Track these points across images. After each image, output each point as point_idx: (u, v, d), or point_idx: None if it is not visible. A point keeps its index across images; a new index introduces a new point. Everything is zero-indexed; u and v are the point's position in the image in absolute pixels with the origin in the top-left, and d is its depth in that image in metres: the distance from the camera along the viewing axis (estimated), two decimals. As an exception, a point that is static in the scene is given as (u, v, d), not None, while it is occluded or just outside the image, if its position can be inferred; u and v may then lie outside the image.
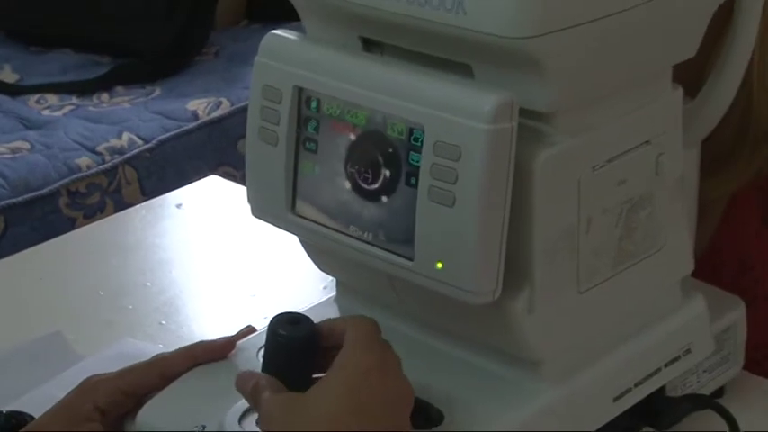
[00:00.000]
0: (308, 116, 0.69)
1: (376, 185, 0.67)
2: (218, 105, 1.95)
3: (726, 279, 0.86)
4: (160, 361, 0.75)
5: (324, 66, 0.69)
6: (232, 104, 1.94)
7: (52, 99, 2.01)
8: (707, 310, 0.80)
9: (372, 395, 0.64)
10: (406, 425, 0.65)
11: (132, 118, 1.91)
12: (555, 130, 0.66)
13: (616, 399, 0.75)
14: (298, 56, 0.70)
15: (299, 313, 0.69)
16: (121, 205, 1.72)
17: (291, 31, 0.72)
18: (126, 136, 1.86)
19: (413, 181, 0.65)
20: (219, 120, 1.92)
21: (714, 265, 0.87)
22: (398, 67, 0.67)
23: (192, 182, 1.26)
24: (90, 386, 0.74)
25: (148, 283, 1.06)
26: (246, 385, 0.67)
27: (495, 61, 0.64)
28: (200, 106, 1.94)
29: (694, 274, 0.80)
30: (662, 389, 0.78)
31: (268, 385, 0.66)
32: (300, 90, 0.69)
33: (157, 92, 2.02)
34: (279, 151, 0.70)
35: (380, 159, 0.66)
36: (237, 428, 0.69)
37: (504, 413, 0.70)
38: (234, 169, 1.79)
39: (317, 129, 0.69)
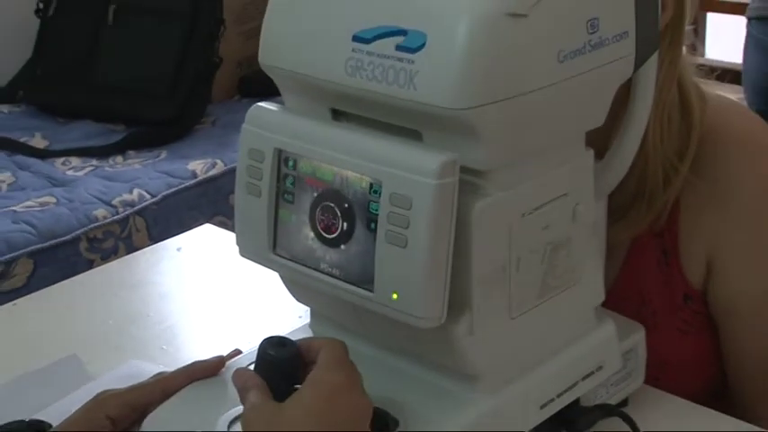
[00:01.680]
0: (286, 173, 0.69)
1: (342, 230, 0.66)
2: (214, 165, 1.94)
3: (629, 309, 0.86)
4: (161, 379, 0.74)
5: (300, 132, 0.69)
6: (225, 165, 1.93)
7: (75, 161, 2.00)
8: (616, 333, 0.80)
9: (338, 410, 0.63)
10: None
11: (142, 176, 1.90)
12: (489, 184, 0.66)
13: (541, 407, 0.75)
14: (278, 124, 0.70)
15: (285, 337, 0.68)
16: (132, 248, 1.70)
17: (273, 104, 0.72)
18: (136, 191, 1.85)
19: (372, 226, 0.65)
20: (214, 178, 1.91)
21: (619, 298, 0.87)
22: (361, 132, 0.67)
23: (190, 229, 1.25)
24: (102, 400, 0.73)
25: (151, 314, 1.05)
26: (240, 380, 0.67)
27: (440, 127, 0.64)
28: (199, 166, 1.94)
29: (603, 305, 0.80)
30: (577, 399, 0.78)
31: (255, 386, 0.65)
32: (280, 152, 0.69)
33: (163, 155, 2.02)
34: (262, 202, 0.70)
35: (345, 209, 0.66)
36: (226, 432, 0.68)
37: (448, 419, 0.70)
38: (226, 218, 1.78)
39: (293, 183, 0.69)
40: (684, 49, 0.86)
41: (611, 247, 0.84)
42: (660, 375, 0.87)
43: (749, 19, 1.58)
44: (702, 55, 2.55)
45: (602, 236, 0.81)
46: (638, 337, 0.83)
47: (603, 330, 0.79)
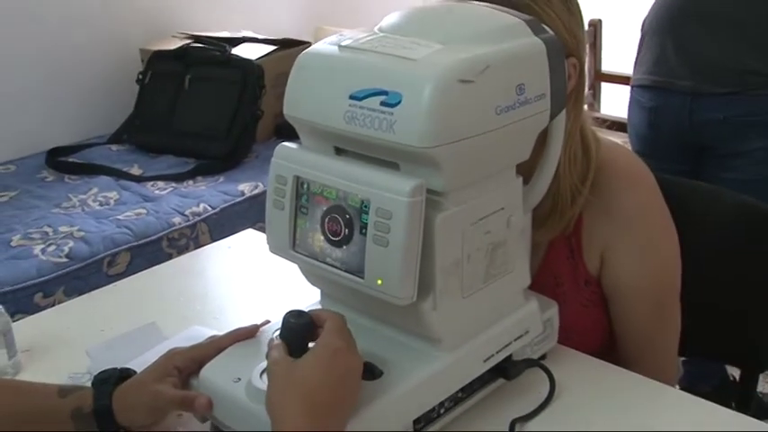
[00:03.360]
0: (301, 193, 0.67)
1: (344, 235, 0.64)
2: (257, 187, 1.92)
3: (547, 290, 0.84)
4: (215, 340, 0.72)
5: (312, 163, 0.67)
6: (265, 186, 1.91)
7: (161, 184, 1.97)
8: (538, 308, 0.78)
9: (338, 366, 0.61)
10: (358, 383, 0.62)
11: (206, 195, 1.87)
12: (448, 201, 0.64)
13: (485, 361, 0.73)
14: (296, 157, 0.68)
15: (302, 310, 0.66)
16: (198, 246, 1.68)
17: (293, 143, 0.70)
18: (202, 205, 1.82)
19: (363, 231, 0.63)
20: (257, 195, 1.88)
21: (540, 282, 0.85)
22: (356, 164, 0.65)
23: (238, 233, 1.22)
24: (172, 355, 0.71)
25: (209, 294, 1.03)
26: (269, 344, 0.65)
27: (412, 161, 0.62)
28: (246, 187, 1.91)
29: (530, 287, 0.78)
30: (510, 355, 0.76)
31: (275, 347, 0.63)
32: (298, 178, 0.67)
33: (221, 179, 1.99)
34: (285, 213, 0.68)
35: (346, 219, 0.64)
36: (259, 382, 0.65)
37: (418, 370, 0.68)
38: (265, 224, 1.76)
39: (307, 200, 0.67)
40: (586, 106, 0.85)
41: (535, 246, 0.82)
42: (568, 337, 0.84)
43: (632, 86, 1.58)
44: (599, 110, 2.55)
45: (528, 238, 0.79)
46: (554, 310, 0.81)
47: (529, 306, 0.77)
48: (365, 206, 0.62)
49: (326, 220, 0.65)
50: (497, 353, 0.74)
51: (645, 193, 0.85)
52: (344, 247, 0.64)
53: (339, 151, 0.68)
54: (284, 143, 0.70)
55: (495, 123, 0.63)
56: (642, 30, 1.57)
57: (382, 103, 0.61)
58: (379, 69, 0.62)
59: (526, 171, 0.74)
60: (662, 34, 1.50)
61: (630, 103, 1.59)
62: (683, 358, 1.41)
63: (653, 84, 1.51)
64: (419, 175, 0.62)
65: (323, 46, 0.67)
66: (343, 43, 0.66)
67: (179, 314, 0.96)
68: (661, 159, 1.49)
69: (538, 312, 0.78)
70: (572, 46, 0.79)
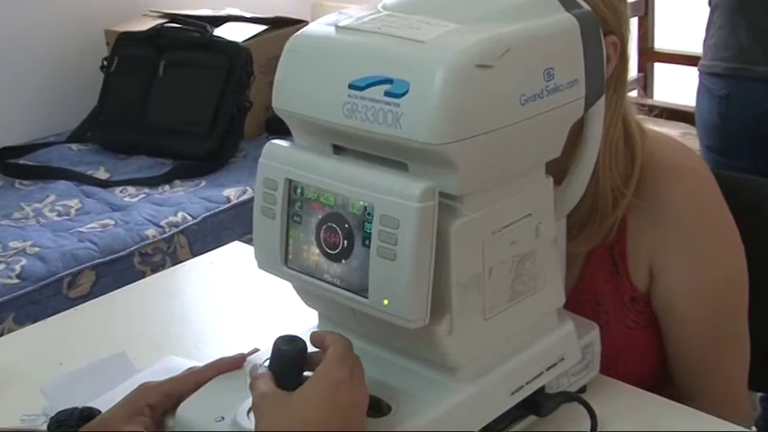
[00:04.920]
0: (294, 199, 0.69)
1: (343, 247, 0.66)
2: (245, 192, 1.94)
3: (586, 310, 0.85)
4: (193, 372, 0.74)
5: (306, 164, 0.68)
6: (254, 192, 1.93)
7: (131, 190, 1.99)
8: (575, 331, 0.79)
9: (339, 401, 0.62)
10: (363, 421, 0.64)
11: (185, 202, 1.89)
12: (464, 207, 0.66)
13: (512, 393, 0.74)
14: (288, 157, 0.70)
15: (294, 335, 0.68)
16: (177, 262, 1.70)
17: (284, 140, 0.72)
18: (180, 214, 1.84)
19: (367, 243, 0.64)
20: (245, 202, 1.90)
21: (578, 301, 0.86)
22: (357, 164, 0.67)
23: (223, 246, 1.24)
24: (144, 389, 0.72)
25: (188, 318, 1.05)
26: (252, 372, 0.66)
27: (422, 160, 0.64)
28: (232, 193, 1.93)
29: (565, 307, 0.79)
30: (543, 387, 0.77)
31: (260, 377, 0.65)
32: (290, 181, 0.69)
33: (203, 184, 2.01)
34: (275, 223, 0.70)
35: (345, 229, 0.65)
36: (245, 420, 0.67)
37: (433, 405, 0.69)
38: (254, 236, 1.78)
39: (301, 207, 0.68)
40: (634, 93, 0.86)
41: (570, 258, 0.83)
42: (612, 365, 0.85)
43: (700, 71, 1.58)
44: (651, 97, 2.55)
45: (562, 249, 0.80)
46: (594, 333, 0.82)
47: (564, 328, 0.78)
48: (368, 213, 0.64)
49: (323, 230, 0.67)
50: (527, 384, 0.75)
51: (700, 194, 0.86)
52: (344, 261, 0.66)
53: (338, 150, 0.70)
54: (274, 141, 0.71)
55: (520, 115, 0.65)
56: (710, 3, 1.57)
57: (387, 93, 0.62)
58: (382, 54, 0.64)
59: (558, 170, 0.75)
60: (731, 10, 1.51)
61: (698, 89, 1.59)
62: (760, 394, 1.41)
63: (723, 70, 1.51)
64: (431, 176, 0.63)
65: (318, 27, 0.69)
66: (341, 23, 0.68)
67: (152, 342, 0.98)
68: (732, 155, 1.50)
69: (575, 336, 0.79)
70: (611, 21, 0.80)
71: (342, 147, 0.69)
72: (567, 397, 0.78)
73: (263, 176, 0.70)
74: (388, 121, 0.62)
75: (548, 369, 0.76)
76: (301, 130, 0.71)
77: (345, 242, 0.65)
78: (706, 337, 0.87)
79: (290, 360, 0.66)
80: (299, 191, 0.68)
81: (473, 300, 0.68)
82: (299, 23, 2.23)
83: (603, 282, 0.88)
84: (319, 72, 0.67)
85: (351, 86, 0.64)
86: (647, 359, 0.90)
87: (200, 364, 0.75)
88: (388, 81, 0.62)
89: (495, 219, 0.68)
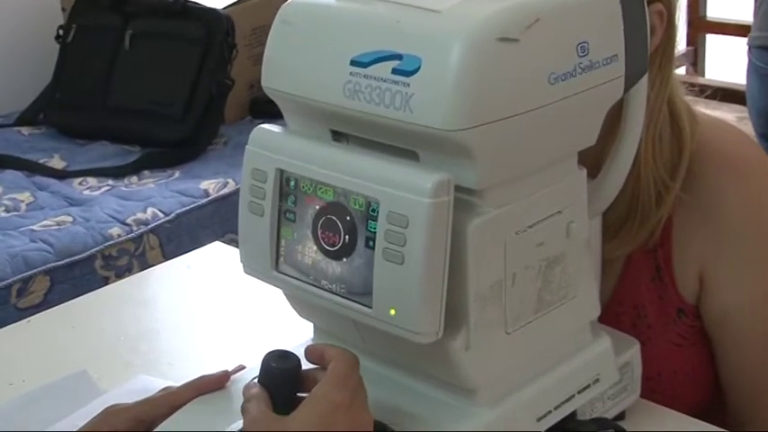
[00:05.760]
0: (287, 192, 0.70)
1: (344, 243, 0.67)
2: (226, 185, 1.95)
3: (624, 324, 0.86)
4: (168, 393, 0.75)
5: (300, 152, 0.69)
6: (237, 184, 1.94)
7: (92, 181, 2.01)
8: (612, 347, 0.80)
9: (339, 428, 0.63)
10: None
11: (156, 196, 1.91)
12: (484, 202, 0.67)
13: (538, 420, 0.75)
14: (280, 144, 0.71)
15: (287, 350, 0.69)
16: (146, 265, 1.71)
17: (275, 125, 0.73)
18: (150, 210, 1.85)
19: (371, 244, 0.65)
20: (226, 196, 1.92)
21: (615, 313, 0.87)
22: (360, 153, 0.68)
23: (201, 247, 1.25)
24: (111, 414, 0.73)
25: (161, 331, 1.06)
26: (245, 391, 0.67)
27: (435, 148, 0.65)
28: (211, 185, 1.95)
29: (599, 319, 0.80)
30: (574, 412, 0.78)
31: (255, 396, 0.66)
32: (282, 172, 0.70)
33: (177, 174, 2.02)
34: (265, 221, 0.71)
35: (343, 227, 0.67)
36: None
37: (446, 433, 0.70)
38: (237, 236, 1.78)
39: (294, 202, 0.69)
40: (682, 70, 0.86)
41: (607, 263, 0.84)
42: (656, 388, 0.86)
43: (750, 47, 1.58)
44: (702, 75, 2.54)
45: (596, 252, 0.81)
46: (634, 350, 0.83)
47: (599, 344, 0.79)
48: (372, 210, 0.65)
49: (321, 227, 0.68)
50: (555, 409, 0.76)
51: (761, 190, 0.87)
52: (345, 260, 0.67)
53: (337, 136, 0.71)
54: (263, 125, 0.72)
55: (549, 96, 0.66)
56: None
57: (395, 71, 0.63)
58: (390, 25, 0.65)
59: (593, 161, 0.76)
60: None
61: (748, 68, 1.60)
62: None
63: None
64: (445, 167, 0.64)
65: (315, -7, 0.70)
66: (342, -11, 0.69)
67: (119, 359, 0.99)
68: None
69: (612, 354, 0.80)
70: (657, -14, 0.81)
71: (342, 133, 0.70)
72: (602, 424, 0.79)
73: (251, 167, 0.71)
74: (395, 103, 0.63)
75: (580, 392, 0.77)
76: (295, 113, 0.73)
77: (347, 237, 0.66)
78: (765, 355, 0.88)
79: (281, 379, 0.67)
80: (292, 183, 0.69)
81: (494, 311, 0.69)
82: (290, -13, 2.23)
83: (645, 291, 0.89)
84: (317, 46, 0.68)
85: (353, 63, 0.65)
86: (697, 381, 0.91)
87: (176, 384, 0.76)
88: (397, 57, 0.63)
89: (519, 217, 0.69)
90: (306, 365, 0.69)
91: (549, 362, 0.75)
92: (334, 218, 0.67)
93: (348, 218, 0.66)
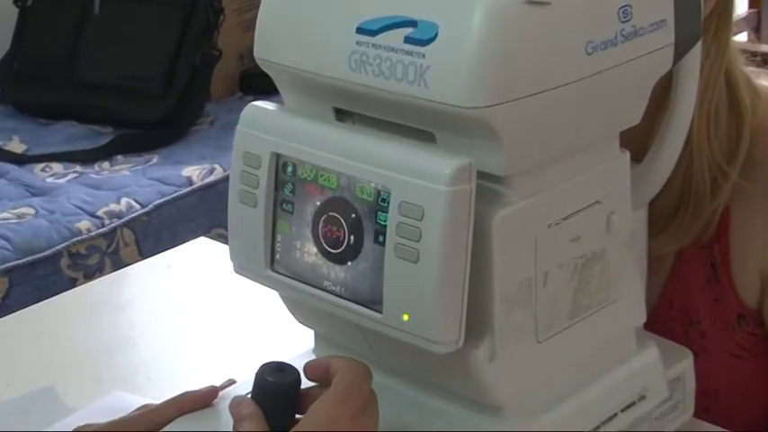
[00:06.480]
0: (284, 180, 0.70)
1: (348, 244, 0.67)
2: (212, 171, 1.96)
3: (674, 331, 0.86)
4: (147, 412, 0.75)
5: (299, 134, 0.70)
6: (225, 171, 1.95)
7: (57, 167, 2.02)
8: (660, 358, 0.80)
9: None
10: None
11: (131, 184, 1.92)
12: (511, 191, 0.67)
13: (574, 442, 0.76)
14: (275, 125, 0.71)
15: (284, 362, 0.70)
16: (120, 265, 1.72)
17: (270, 102, 0.74)
18: (124, 201, 1.87)
19: (380, 239, 0.66)
20: (213, 184, 1.93)
21: (664, 318, 0.87)
22: (367, 134, 0.69)
23: (184, 243, 1.26)
24: (81, 435, 0.74)
25: (138, 340, 1.07)
26: (235, 409, 0.68)
27: (454, 128, 0.65)
28: (195, 172, 1.96)
29: (646, 326, 0.81)
30: (618, 434, 0.79)
31: (249, 415, 0.66)
32: (278, 156, 0.70)
33: (155, 159, 2.03)
34: (258, 213, 0.71)
35: (350, 219, 0.67)
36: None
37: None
38: (225, 230, 1.78)
39: (293, 191, 0.70)
40: (742, 35, 0.86)
41: (654, 261, 0.85)
42: (712, 406, 0.87)
43: None
44: (767, 42, 2.54)
45: (641, 248, 0.81)
46: (686, 362, 0.83)
47: (645, 355, 0.80)
48: (383, 200, 0.66)
49: (323, 221, 0.69)
50: (596, 430, 0.76)
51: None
52: (350, 263, 0.68)
53: (342, 115, 0.71)
54: (255, 103, 0.73)
55: (586, 68, 0.66)
56: None
57: (408, 39, 0.64)
58: (402, -14, 0.65)
59: (638, 143, 0.77)
60: None
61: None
62: None
63: None
64: (466, 150, 0.65)
65: (316, -50, 0.71)
66: (346, -55, 0.69)
67: (90, 373, 0.99)
68: None
69: (660, 366, 0.80)
70: (712, -59, 0.81)
71: (347, 111, 0.71)
72: (648, 448, 0.80)
73: (242, 150, 0.72)
74: (408, 76, 0.64)
75: (623, 410, 0.78)
76: (292, 88, 0.73)
77: (352, 237, 0.67)
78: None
79: (278, 396, 0.68)
80: (289, 170, 0.70)
81: (522, 316, 0.70)
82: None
83: (699, 293, 0.90)
84: (318, 11, 0.68)
85: (360, 30, 0.66)
86: (758, 397, 0.92)
87: (156, 401, 0.77)
88: (410, 23, 0.64)
89: (551, 207, 0.70)
90: (307, 383, 0.70)
91: (586, 375, 0.76)
92: (337, 215, 0.68)
93: (353, 215, 0.67)
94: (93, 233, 1.79)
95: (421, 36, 0.63)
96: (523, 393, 0.72)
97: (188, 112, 2.15)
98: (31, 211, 1.84)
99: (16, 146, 2.11)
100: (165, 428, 0.74)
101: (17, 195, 1.91)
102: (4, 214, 1.83)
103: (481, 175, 0.64)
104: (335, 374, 0.67)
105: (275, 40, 0.71)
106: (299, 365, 0.70)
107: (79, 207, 1.84)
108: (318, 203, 0.69)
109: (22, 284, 1.71)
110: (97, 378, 0.99)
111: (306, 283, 0.71)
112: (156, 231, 1.85)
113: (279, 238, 0.72)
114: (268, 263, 0.72)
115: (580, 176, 0.71)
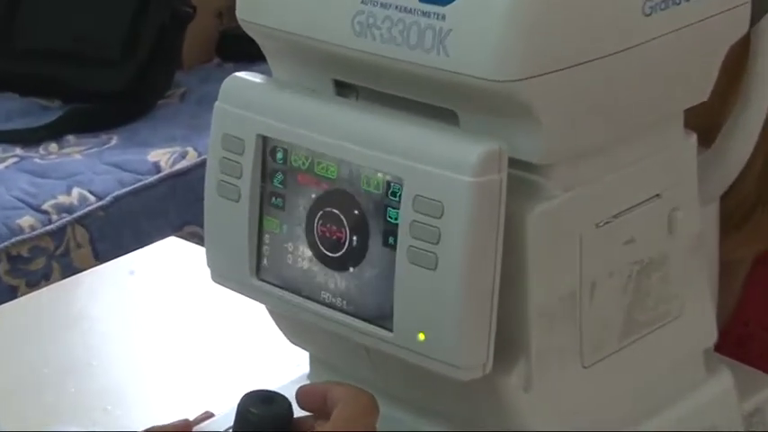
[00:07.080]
0: (273, 169, 0.71)
1: (350, 246, 0.68)
2: (184, 156, 1.96)
3: (753, 353, 0.87)
4: None
5: (291, 112, 0.70)
6: (200, 155, 1.95)
7: (-7, 151, 2.03)
8: (734, 387, 0.81)
9: None
10: None
11: (84, 171, 1.92)
12: (550, 182, 0.68)
13: (627, 489, 0.76)
14: (262, 101, 0.72)
15: (272, 391, 0.70)
16: (71, 271, 1.72)
17: (256, 74, 0.74)
18: (76, 192, 1.87)
19: (391, 240, 0.66)
20: (185, 172, 1.93)
21: (740, 337, 0.88)
22: (374, 113, 0.69)
23: (149, 244, 1.27)
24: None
25: (94, 362, 1.07)
26: None
27: (481, 107, 0.66)
28: (163, 157, 1.96)
29: (717, 348, 0.82)
30: (679, 479, 0.79)
31: None
32: (265, 139, 0.71)
33: (114, 141, 2.04)
34: (241, 208, 0.72)
35: (353, 216, 0.68)
36: None
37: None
38: (201, 229, 1.78)
39: (283, 183, 0.71)
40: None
41: (726, 267, 0.85)
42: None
43: None
44: None
45: (711, 253, 0.82)
46: (766, 392, 0.84)
47: (716, 383, 0.80)
48: (393, 193, 0.66)
49: (319, 219, 0.69)
50: (653, 475, 0.77)
51: None
52: (352, 269, 0.68)
53: (343, 89, 0.72)
54: (238, 74, 0.74)
55: (643, 32, 0.66)
56: None
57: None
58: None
59: (706, 124, 0.77)
60: None
61: None
62: None
63: None
64: (495, 133, 0.65)
65: None
66: None
67: (35, 402, 1.00)
68: None
69: (734, 396, 0.81)
70: None
71: (350, 84, 0.71)
72: (719, 495, 0.80)
73: (222, 132, 0.72)
74: (425, 42, 0.64)
75: (688, 450, 0.79)
76: (284, 56, 0.74)
77: (355, 239, 0.68)
78: None
79: (266, 430, 0.69)
80: (279, 156, 0.71)
81: (564, 335, 0.70)
82: None
83: (783, 307, 0.91)
84: (314, -38, 0.69)
85: (365, -12, 0.66)
86: None
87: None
88: (428, -23, 0.64)
89: (600, 202, 0.70)
90: (299, 412, 0.70)
91: (644, 407, 0.77)
92: (336, 211, 0.68)
93: (356, 211, 0.67)
94: (37, 231, 1.80)
95: (439, -5, 0.64)
96: (564, 429, 0.72)
97: (154, 82, 2.15)
98: (-38, 204, 1.85)
99: (-57, 125, 2.13)
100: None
101: (-56, 185, 1.92)
102: (-71, 208, 1.84)
103: (514, 163, 0.65)
104: (335, 405, 0.68)
105: (262, -3, 0.72)
106: (291, 395, 0.71)
107: (20, 199, 1.84)
108: (314, 197, 0.69)
109: (-49, 294, 1.72)
110: (43, 408, 0.99)
111: (299, 295, 0.71)
112: (115, 230, 1.86)
113: (266, 239, 0.72)
114: (253, 269, 0.73)
115: (635, 165, 0.72)
